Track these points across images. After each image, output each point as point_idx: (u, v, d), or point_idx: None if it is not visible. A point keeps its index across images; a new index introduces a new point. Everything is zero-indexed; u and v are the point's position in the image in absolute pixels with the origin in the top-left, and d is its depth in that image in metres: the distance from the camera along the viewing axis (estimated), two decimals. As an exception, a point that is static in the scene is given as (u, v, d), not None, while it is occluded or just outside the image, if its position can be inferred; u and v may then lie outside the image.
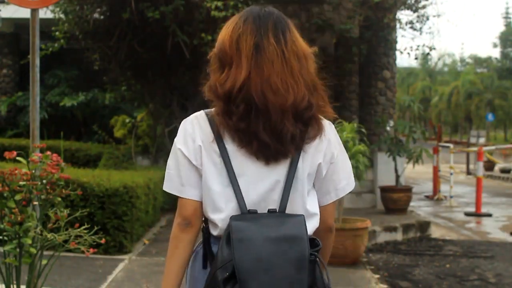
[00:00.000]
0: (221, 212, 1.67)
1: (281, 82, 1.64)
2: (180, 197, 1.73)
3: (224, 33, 1.76)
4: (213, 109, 1.71)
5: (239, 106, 1.64)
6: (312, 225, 1.71)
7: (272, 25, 1.69)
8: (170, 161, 1.76)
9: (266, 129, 1.63)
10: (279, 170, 1.68)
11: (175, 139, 1.75)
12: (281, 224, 1.60)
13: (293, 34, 1.72)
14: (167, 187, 1.75)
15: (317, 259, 1.60)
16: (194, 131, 1.71)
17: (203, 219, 1.75)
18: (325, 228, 1.80)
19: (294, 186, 1.68)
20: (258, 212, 1.65)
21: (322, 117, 1.74)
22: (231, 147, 1.67)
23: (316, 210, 1.75)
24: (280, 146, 1.65)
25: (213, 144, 1.68)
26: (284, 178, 1.68)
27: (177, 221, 1.75)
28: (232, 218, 1.61)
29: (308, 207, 1.71)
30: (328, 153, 1.74)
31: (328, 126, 1.76)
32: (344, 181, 1.79)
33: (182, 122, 1.77)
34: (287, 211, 1.67)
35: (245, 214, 1.64)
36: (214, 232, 1.70)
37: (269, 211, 1.65)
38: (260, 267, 1.53)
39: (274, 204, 1.67)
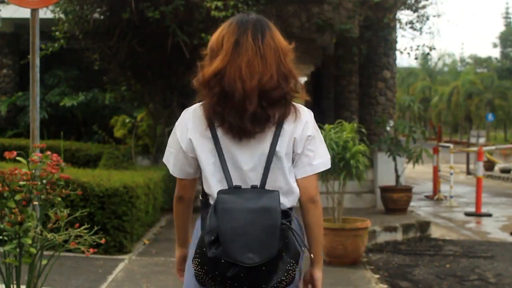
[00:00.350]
0: (212, 188, 2.01)
1: (249, 69, 1.93)
2: (177, 178, 2.13)
3: (214, 36, 2.07)
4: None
5: (214, 90, 1.95)
6: (292, 199, 2.03)
7: (251, 26, 2.00)
8: (170, 139, 2.13)
9: (231, 110, 1.93)
10: (258, 149, 1.98)
11: (176, 123, 2.11)
12: (259, 198, 1.91)
13: (272, 33, 2.03)
14: (165, 160, 2.15)
15: (289, 228, 1.90)
16: (188, 120, 2.05)
17: (202, 193, 2.08)
18: (308, 199, 2.05)
19: (274, 165, 1.98)
20: (242, 187, 1.97)
21: (300, 105, 2.04)
22: (220, 133, 1.99)
23: (294, 186, 2.03)
24: (242, 125, 1.93)
25: (206, 131, 2.00)
26: (264, 158, 1.98)
27: (175, 194, 2.21)
28: (219, 192, 1.94)
29: (289, 181, 2.01)
30: (305, 134, 2.02)
31: (307, 112, 2.06)
32: (319, 159, 2.06)
33: (183, 111, 2.11)
34: (269, 187, 1.97)
35: (231, 188, 1.96)
36: (212, 202, 2.02)
37: (251, 186, 1.97)
38: (239, 233, 1.85)
39: (257, 181, 1.98)
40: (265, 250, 1.86)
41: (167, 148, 2.14)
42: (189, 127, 2.04)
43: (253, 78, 1.93)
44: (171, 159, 2.11)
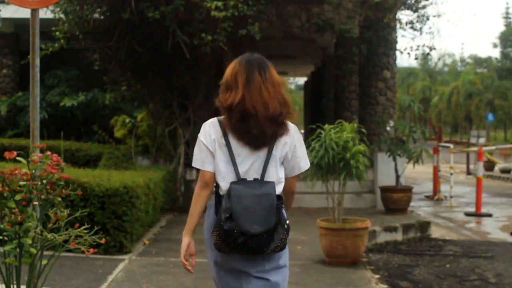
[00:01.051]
0: (225, 180, 2.74)
1: (260, 99, 2.70)
2: (202, 170, 2.78)
3: (228, 71, 2.81)
4: (221, 117, 2.78)
5: (236, 114, 2.70)
6: (280, 187, 2.80)
7: (256, 66, 2.78)
8: (196, 149, 2.82)
9: (256, 128, 2.68)
10: (260, 154, 2.75)
11: (199, 134, 2.80)
12: (260, 187, 2.71)
13: (270, 70, 2.80)
14: (194, 163, 2.82)
15: (282, 207, 2.74)
16: (210, 130, 2.78)
17: (215, 184, 2.79)
18: (289, 191, 2.91)
19: (270, 164, 2.75)
20: (247, 179, 2.73)
21: (289, 122, 2.80)
22: (232, 140, 2.74)
23: (283, 179, 2.81)
24: (263, 139, 2.71)
25: (221, 138, 2.75)
26: (264, 159, 2.74)
27: (199, 184, 2.81)
28: (232, 182, 2.71)
29: (280, 176, 2.79)
30: (292, 145, 2.80)
31: (293, 128, 2.82)
32: (302, 162, 2.86)
33: (203, 124, 2.83)
34: (265, 179, 2.74)
35: (239, 180, 2.72)
36: (221, 192, 2.75)
37: (254, 179, 2.74)
38: (246, 211, 2.63)
39: (257, 175, 2.74)
40: (266, 223, 2.64)
41: (194, 154, 2.82)
42: (211, 134, 2.77)
43: (264, 107, 2.70)
44: (199, 160, 2.80)
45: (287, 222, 2.75)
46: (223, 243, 2.66)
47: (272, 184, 2.72)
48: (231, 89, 2.75)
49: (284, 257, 2.84)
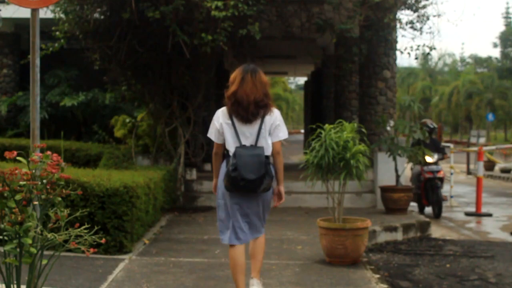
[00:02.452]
0: (232, 147, 4.31)
1: (250, 92, 4.30)
2: (215, 142, 4.39)
3: (232, 75, 4.41)
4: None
5: (232, 99, 4.31)
6: (269, 150, 4.33)
7: (250, 70, 4.35)
8: (211, 125, 4.41)
9: (243, 110, 4.29)
10: (254, 129, 4.32)
11: (213, 117, 4.42)
12: (254, 150, 4.26)
13: (259, 73, 4.37)
14: (209, 135, 4.44)
15: (269, 163, 4.28)
16: (219, 115, 4.40)
17: (225, 150, 4.39)
18: (275, 151, 4.40)
19: (261, 136, 4.32)
20: (246, 145, 4.28)
21: (274, 108, 4.41)
22: (235, 120, 4.33)
23: (270, 145, 4.35)
24: (248, 116, 4.29)
25: (228, 120, 4.34)
26: (256, 133, 4.31)
27: (213, 151, 4.48)
28: (236, 147, 4.26)
29: (268, 143, 4.34)
30: (275, 123, 4.37)
31: (276, 111, 4.41)
32: (281, 133, 4.38)
33: (216, 111, 4.46)
34: (258, 145, 4.30)
35: (241, 146, 4.27)
36: (230, 153, 4.30)
37: (250, 145, 4.30)
38: (245, 165, 4.17)
39: (253, 142, 4.31)
40: (258, 172, 4.20)
41: (210, 129, 4.44)
42: (220, 117, 4.39)
43: (251, 96, 4.30)
44: (212, 134, 4.42)
45: (273, 173, 4.34)
46: (231, 185, 4.27)
47: (261, 148, 4.30)
48: (231, 85, 4.38)
49: (268, 193, 4.43)
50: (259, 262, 4.46)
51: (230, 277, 5.35)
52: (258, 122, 4.29)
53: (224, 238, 4.41)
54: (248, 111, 4.25)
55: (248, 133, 4.30)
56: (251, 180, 4.15)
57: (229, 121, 4.30)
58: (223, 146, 4.37)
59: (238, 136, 4.29)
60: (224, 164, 4.35)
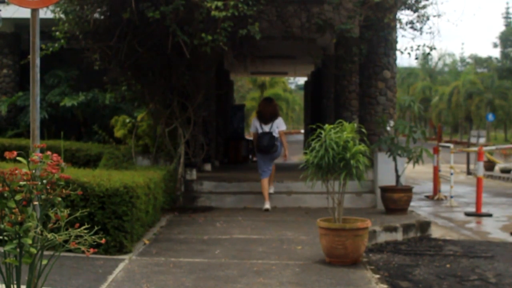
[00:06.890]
0: (259, 132, 9.70)
1: (268, 110, 9.77)
2: (252, 132, 9.87)
3: (259, 103, 10.43)
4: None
5: (259, 114, 9.91)
6: (277, 135, 9.61)
7: (268, 100, 10.18)
8: (251, 125, 9.93)
9: (263, 118, 9.74)
10: (268, 126, 9.64)
11: (252, 119, 10.07)
12: (269, 134, 9.61)
13: (273, 101, 10.09)
14: (251, 130, 9.99)
15: (275, 139, 9.59)
16: (255, 121, 9.82)
17: (258, 133, 9.75)
18: (281, 134, 9.67)
19: (272, 129, 9.63)
20: (265, 132, 9.64)
21: (279, 117, 9.84)
22: (261, 123, 9.72)
23: (277, 132, 9.63)
24: (267, 120, 9.69)
25: (257, 123, 9.71)
26: (270, 127, 9.62)
27: (252, 137, 10.31)
28: (259, 134, 9.66)
29: (276, 131, 9.63)
30: (278, 123, 9.69)
31: (280, 118, 9.78)
32: (281, 127, 9.66)
33: (253, 119, 10.07)
34: (271, 132, 9.64)
35: (262, 132, 9.63)
36: (259, 135, 9.74)
37: (267, 132, 9.63)
38: (263, 140, 9.57)
39: (268, 131, 9.64)
40: (270, 143, 9.51)
41: (251, 127, 9.90)
42: (255, 122, 9.72)
43: (267, 112, 9.69)
44: (252, 128, 9.80)
45: (278, 144, 9.50)
46: (258, 150, 9.63)
47: (273, 134, 9.48)
48: (259, 107, 9.96)
49: (276, 153, 9.61)
50: (272, 177, 9.80)
51: (230, 277, 5.38)
52: (271, 123, 9.54)
53: (262, 174, 9.54)
54: (266, 118, 9.57)
55: (266, 128, 9.52)
56: (266, 146, 9.42)
57: (258, 123, 9.60)
58: (257, 133, 9.54)
59: (261, 129, 9.53)
60: (256, 141, 9.64)
